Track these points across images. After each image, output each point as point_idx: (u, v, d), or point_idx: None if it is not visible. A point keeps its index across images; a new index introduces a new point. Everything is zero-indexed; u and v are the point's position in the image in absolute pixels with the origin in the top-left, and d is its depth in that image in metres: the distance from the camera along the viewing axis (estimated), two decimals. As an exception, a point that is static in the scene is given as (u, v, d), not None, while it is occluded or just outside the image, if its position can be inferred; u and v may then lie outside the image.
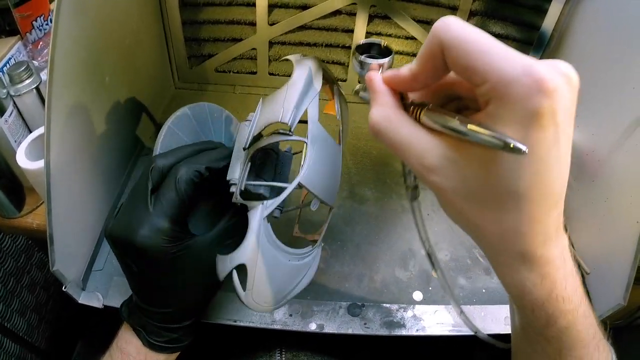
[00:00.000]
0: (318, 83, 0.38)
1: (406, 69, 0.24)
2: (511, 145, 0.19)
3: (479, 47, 0.20)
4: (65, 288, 0.44)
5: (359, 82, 0.35)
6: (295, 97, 0.35)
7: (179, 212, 0.35)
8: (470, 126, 0.20)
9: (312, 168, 0.35)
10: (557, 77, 0.19)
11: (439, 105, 0.26)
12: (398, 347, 0.56)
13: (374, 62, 0.31)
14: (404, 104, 0.25)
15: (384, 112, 0.24)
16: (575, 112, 0.20)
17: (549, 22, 0.61)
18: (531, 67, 0.19)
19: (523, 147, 0.19)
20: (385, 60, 0.31)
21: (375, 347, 0.56)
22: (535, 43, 0.64)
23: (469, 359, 0.64)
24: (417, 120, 0.24)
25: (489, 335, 0.41)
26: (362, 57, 0.33)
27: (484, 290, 0.51)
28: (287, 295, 0.38)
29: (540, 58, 0.65)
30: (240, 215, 0.38)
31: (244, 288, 0.34)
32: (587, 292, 0.37)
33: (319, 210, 0.38)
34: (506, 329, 0.47)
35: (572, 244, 0.52)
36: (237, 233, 0.36)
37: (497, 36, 0.64)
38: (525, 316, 0.26)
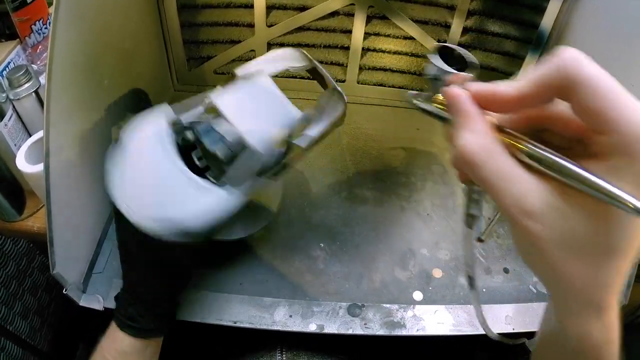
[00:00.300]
0: (290, 59, 0.43)
1: (511, 88, 0.22)
2: None
3: (612, 94, 0.20)
4: (65, 291, 0.44)
5: (425, 91, 0.28)
6: (260, 60, 0.43)
7: None
8: (600, 183, 0.19)
9: (234, 97, 0.37)
10: None
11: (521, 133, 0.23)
12: (398, 347, 0.56)
13: (464, 75, 0.25)
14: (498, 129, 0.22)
15: (481, 141, 0.22)
16: None
17: (547, 20, 0.61)
18: None
19: None
20: (471, 75, 0.26)
21: (375, 347, 0.56)
22: (533, 41, 0.64)
23: (469, 359, 0.64)
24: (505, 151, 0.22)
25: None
26: (446, 66, 0.26)
27: (484, 290, 0.51)
28: (172, 217, 0.34)
29: (540, 56, 0.65)
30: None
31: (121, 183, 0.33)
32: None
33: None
34: (506, 328, 0.47)
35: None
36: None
37: (496, 35, 0.65)
38: (577, 355, 0.26)
